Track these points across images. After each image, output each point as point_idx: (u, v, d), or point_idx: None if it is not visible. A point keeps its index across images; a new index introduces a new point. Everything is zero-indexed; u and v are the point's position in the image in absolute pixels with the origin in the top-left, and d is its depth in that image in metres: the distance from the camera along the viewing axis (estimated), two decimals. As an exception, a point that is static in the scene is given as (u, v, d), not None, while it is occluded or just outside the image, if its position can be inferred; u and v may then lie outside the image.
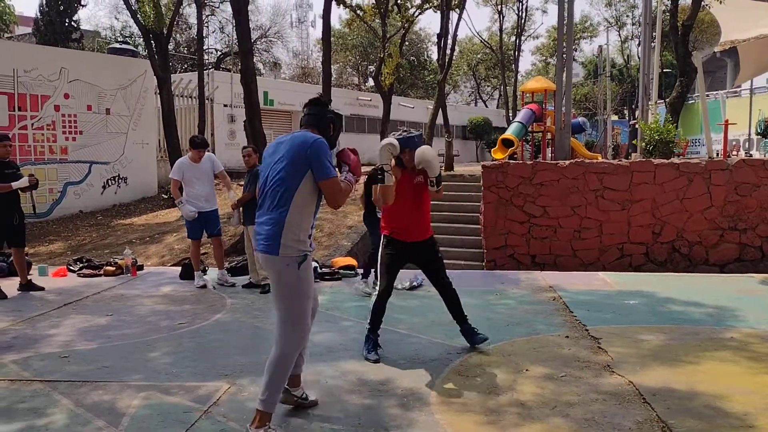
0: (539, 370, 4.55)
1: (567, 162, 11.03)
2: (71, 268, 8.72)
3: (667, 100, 18.39)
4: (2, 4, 33.59)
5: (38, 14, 29.60)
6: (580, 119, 23.45)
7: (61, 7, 29.07)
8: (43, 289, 7.32)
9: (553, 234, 10.75)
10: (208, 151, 7.83)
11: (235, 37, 32.98)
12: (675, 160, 11.35)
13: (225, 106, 22.57)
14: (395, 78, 22.16)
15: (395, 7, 22.67)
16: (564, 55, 14.90)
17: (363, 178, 7.65)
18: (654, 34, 19.52)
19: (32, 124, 16.15)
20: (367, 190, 7.42)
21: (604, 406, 3.86)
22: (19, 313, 6.29)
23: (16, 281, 7.42)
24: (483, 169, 11.14)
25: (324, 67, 16.54)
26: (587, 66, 49.83)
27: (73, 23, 29.92)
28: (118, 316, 6.18)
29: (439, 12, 21.60)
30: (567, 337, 5.41)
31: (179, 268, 8.48)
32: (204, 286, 7.46)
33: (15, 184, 6.91)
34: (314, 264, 8.40)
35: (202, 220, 7.51)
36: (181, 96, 20.67)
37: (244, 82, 10.61)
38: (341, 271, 8.30)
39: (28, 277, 7.38)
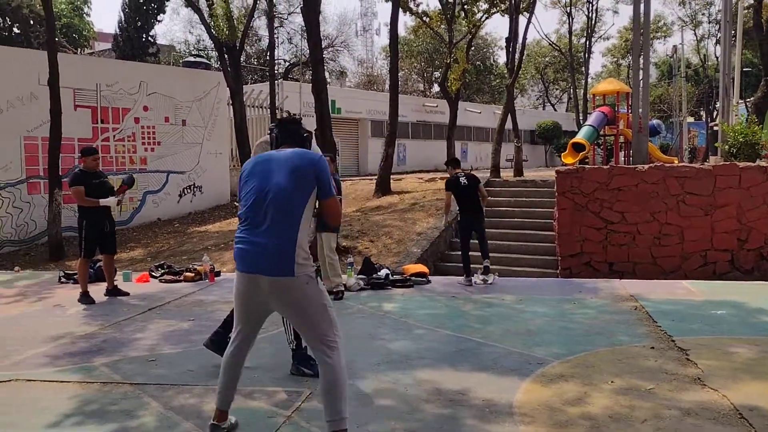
0: (625, 382, 4.39)
1: (646, 166, 10.67)
2: (153, 273, 9.04)
3: (750, 100, 17.57)
4: (83, 22, 35.42)
5: (117, 30, 30.99)
6: (655, 122, 22.73)
7: (139, 23, 30.34)
8: (128, 294, 7.61)
9: (631, 241, 10.41)
10: None
11: (302, 47, 33.68)
12: (762, 162, 10.81)
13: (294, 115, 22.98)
14: (461, 83, 22.02)
15: (461, 12, 22.55)
16: (641, 56, 14.45)
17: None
18: (734, 31, 18.69)
19: (114, 136, 16.89)
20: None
21: (697, 421, 3.68)
22: (106, 317, 6.55)
23: (101, 287, 7.73)
24: (557, 175, 10.92)
25: (391, 74, 16.63)
26: (660, 67, 48.26)
27: (150, 38, 31.18)
28: (199, 321, 6.35)
29: (506, 16, 21.35)
30: (652, 348, 5.20)
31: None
32: None
33: (102, 202, 7.19)
34: (385, 271, 8.42)
35: None
36: (252, 106, 21.17)
37: (315, 92, 10.76)
38: (413, 278, 8.27)
39: (114, 283, 7.69)
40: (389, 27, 16.29)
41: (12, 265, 12.73)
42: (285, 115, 3.60)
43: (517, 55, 19.75)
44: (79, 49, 32.84)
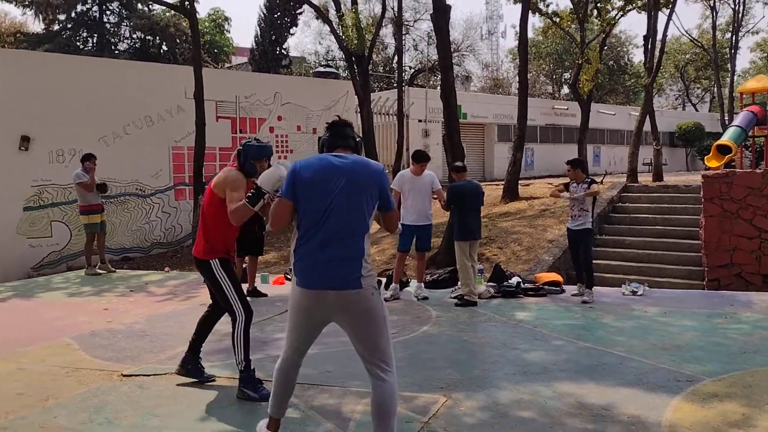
0: (793, 407, 3.98)
1: (806, 169, 9.72)
2: (288, 276, 9.40)
3: None
4: (223, 38, 37.72)
5: (254, 45, 32.74)
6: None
7: (273, 37, 31.88)
8: (266, 295, 7.96)
9: (789, 251, 9.51)
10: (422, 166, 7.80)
11: (428, 53, 33.87)
12: None
13: (419, 121, 23.14)
14: (594, 84, 21.18)
15: (594, 10, 21.71)
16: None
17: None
18: None
19: (250, 145, 17.78)
20: None
21: None
22: (248, 316, 6.87)
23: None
24: (704, 180, 10.19)
25: (520, 77, 16.30)
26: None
27: (283, 51, 32.68)
28: (332, 324, 6.48)
29: (643, 12, 20.30)
30: (823, 370, 4.69)
31: (383, 279, 8.76)
32: (394, 298, 7.59)
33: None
34: (516, 278, 8.22)
35: (414, 234, 7.62)
36: (379, 113, 21.54)
37: (444, 97, 10.74)
38: (546, 287, 8.01)
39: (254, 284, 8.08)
40: (518, 29, 16.01)
41: (162, 266, 13.74)
42: (336, 119, 3.52)
43: (656, 53, 18.71)
44: (219, 64, 35.02)
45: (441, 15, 10.57)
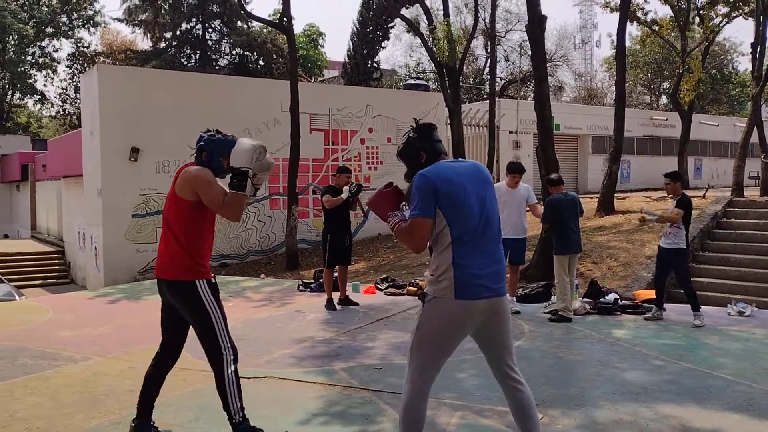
0: None
1: None
2: (378, 286, 9.52)
3: None
4: (317, 52, 38.75)
5: (346, 58, 33.46)
6: None
7: (365, 51, 32.45)
8: (357, 304, 8.09)
9: None
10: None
11: (519, 64, 33.43)
12: None
13: (510, 132, 22.87)
14: (695, 94, 20.25)
15: (696, 18, 20.80)
16: None
17: None
18: None
19: (342, 156, 18.16)
20: None
21: None
22: (341, 325, 7.01)
23: (322, 297, 8.29)
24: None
25: (617, 87, 15.83)
26: None
27: (374, 64, 33.20)
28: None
29: (751, 19, 19.25)
30: None
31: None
32: None
33: (342, 196, 7.68)
34: (613, 295, 7.97)
35: (507, 248, 7.52)
36: (469, 125, 21.45)
37: (538, 109, 10.59)
38: (645, 304, 7.71)
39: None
40: (616, 38, 15.55)
41: (256, 272, 14.25)
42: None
43: (764, 61, 17.69)
44: (312, 78, 36.01)
45: (536, 26, 10.45)
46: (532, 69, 14.12)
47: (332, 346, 6.07)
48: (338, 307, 7.92)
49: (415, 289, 8.95)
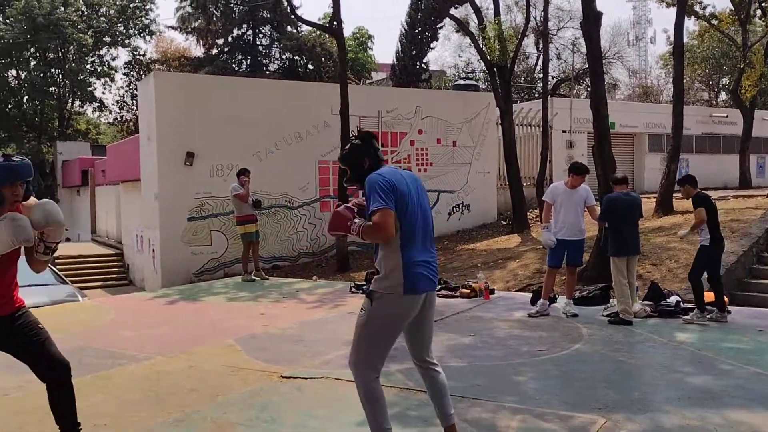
0: None
1: None
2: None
3: None
4: (365, 55, 38.94)
5: (394, 60, 33.52)
6: None
7: (413, 52, 32.45)
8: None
9: None
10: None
11: (572, 62, 32.84)
12: None
13: (564, 132, 22.48)
14: (758, 90, 19.54)
15: (758, 11, 20.07)
16: None
17: None
18: None
19: (392, 158, 18.14)
20: None
21: None
22: (395, 326, 6.99)
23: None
24: None
25: (675, 84, 15.40)
26: None
27: (423, 65, 33.15)
28: (479, 337, 6.45)
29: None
30: None
31: (529, 294, 8.57)
32: (541, 314, 7.36)
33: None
34: (675, 297, 7.72)
35: (564, 249, 7.39)
36: (521, 125, 21.18)
37: (594, 107, 10.37)
38: (709, 307, 7.43)
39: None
40: (673, 34, 15.09)
41: (308, 275, 14.36)
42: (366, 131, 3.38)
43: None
44: (361, 80, 36.20)
45: (592, 22, 10.23)
46: (585, 67, 13.89)
47: (387, 347, 6.05)
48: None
49: (469, 291, 8.86)
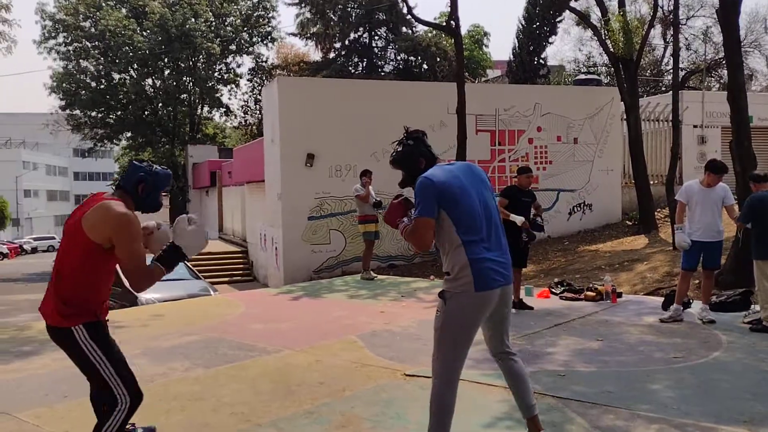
0: None
1: None
2: (553, 290, 9.19)
3: None
4: (481, 53, 38.54)
5: (511, 56, 32.94)
6: None
7: (531, 48, 31.75)
8: (532, 308, 7.87)
9: None
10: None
11: (704, 52, 30.84)
12: None
13: (695, 127, 21.14)
14: None
15: None
16: None
17: None
18: None
19: (509, 157, 17.84)
20: None
21: None
22: (517, 329, 6.83)
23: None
24: None
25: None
26: None
27: (540, 61, 32.35)
28: (608, 341, 6.19)
29: None
30: None
31: (660, 298, 8.14)
32: (674, 320, 6.93)
33: (512, 217, 7.40)
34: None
35: (700, 251, 6.94)
36: (648, 120, 20.15)
37: (732, 100, 9.66)
38: None
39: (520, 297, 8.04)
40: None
41: (423, 274, 14.43)
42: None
43: None
44: (476, 78, 35.87)
45: (730, 9, 9.53)
46: (716, 57, 12.95)
47: (510, 349, 5.94)
48: (513, 310, 7.75)
49: (594, 293, 8.53)
